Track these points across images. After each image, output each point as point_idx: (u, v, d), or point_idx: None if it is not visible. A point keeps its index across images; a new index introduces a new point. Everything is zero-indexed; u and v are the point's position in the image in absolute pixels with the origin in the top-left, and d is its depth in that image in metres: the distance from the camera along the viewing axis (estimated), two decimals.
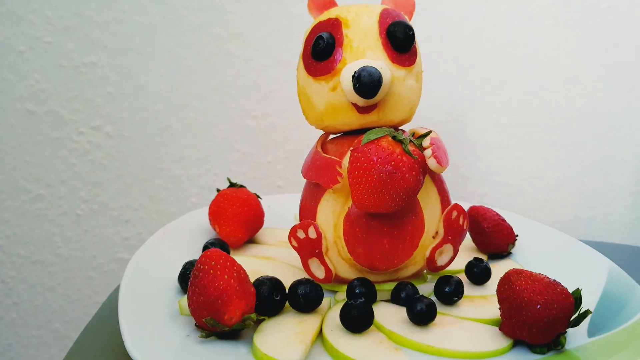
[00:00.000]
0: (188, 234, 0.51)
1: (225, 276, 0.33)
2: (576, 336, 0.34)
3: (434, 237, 0.40)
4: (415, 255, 0.39)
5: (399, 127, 0.41)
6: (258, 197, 0.52)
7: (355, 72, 0.36)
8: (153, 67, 0.68)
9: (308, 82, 0.40)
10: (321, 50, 0.38)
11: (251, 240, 0.51)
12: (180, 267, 0.41)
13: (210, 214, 0.50)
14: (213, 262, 0.33)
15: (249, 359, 0.32)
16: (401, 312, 0.37)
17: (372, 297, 0.39)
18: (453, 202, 0.40)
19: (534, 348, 0.33)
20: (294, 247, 0.40)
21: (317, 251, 0.39)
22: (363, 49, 0.38)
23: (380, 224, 0.37)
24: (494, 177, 0.70)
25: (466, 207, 0.47)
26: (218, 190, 0.51)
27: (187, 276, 0.37)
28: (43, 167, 0.69)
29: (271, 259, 0.47)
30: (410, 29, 0.38)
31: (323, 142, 0.42)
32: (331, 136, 0.43)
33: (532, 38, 0.66)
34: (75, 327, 0.75)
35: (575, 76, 0.66)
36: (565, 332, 0.33)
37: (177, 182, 0.72)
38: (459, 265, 0.43)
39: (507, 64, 0.67)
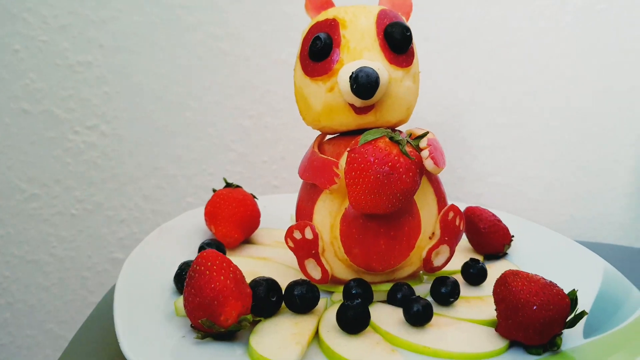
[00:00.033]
0: (184, 235, 0.50)
1: (222, 277, 0.33)
2: (572, 337, 0.34)
3: (430, 238, 0.40)
4: (412, 256, 0.39)
5: (396, 128, 0.41)
6: (254, 197, 0.51)
7: (352, 72, 0.36)
8: (149, 66, 0.68)
9: (305, 83, 0.40)
10: (318, 50, 0.38)
11: (247, 240, 0.51)
12: (176, 268, 0.41)
13: (206, 214, 0.50)
14: (209, 263, 0.33)
15: None
16: (397, 313, 0.37)
17: (368, 298, 0.39)
18: (449, 202, 0.41)
19: (530, 349, 0.33)
20: (290, 247, 0.39)
21: (313, 252, 0.39)
22: (360, 50, 0.38)
23: (377, 224, 0.37)
24: (490, 178, 0.70)
25: (462, 208, 0.47)
26: (214, 191, 0.51)
27: (183, 277, 0.37)
28: (38, 166, 0.69)
29: (267, 259, 0.47)
30: (408, 29, 0.38)
31: (320, 143, 0.42)
32: (328, 137, 0.43)
33: (529, 39, 0.66)
34: (70, 328, 0.75)
35: (571, 77, 0.66)
36: (561, 333, 0.33)
37: (172, 181, 0.71)
38: (455, 265, 0.43)
39: (503, 65, 0.67)
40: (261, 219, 0.51)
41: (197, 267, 0.33)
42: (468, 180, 0.70)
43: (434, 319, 0.36)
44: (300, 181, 0.42)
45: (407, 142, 0.36)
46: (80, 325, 0.43)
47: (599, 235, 0.70)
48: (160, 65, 0.68)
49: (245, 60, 0.68)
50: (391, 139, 0.35)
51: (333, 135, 0.42)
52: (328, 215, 0.39)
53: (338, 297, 0.40)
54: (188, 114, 0.69)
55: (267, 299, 0.36)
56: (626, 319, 0.35)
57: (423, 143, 0.37)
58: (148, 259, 0.44)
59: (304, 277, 0.39)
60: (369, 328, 0.36)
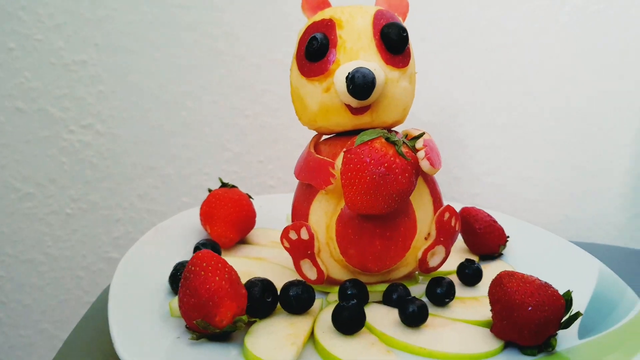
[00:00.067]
0: (179, 235, 0.50)
1: (217, 278, 0.33)
2: (567, 338, 0.34)
3: (426, 239, 0.40)
4: (407, 257, 0.39)
5: (392, 129, 0.41)
6: (250, 197, 0.51)
7: (349, 73, 0.36)
8: (144, 65, 0.67)
9: (301, 83, 0.39)
10: (315, 51, 0.38)
11: (243, 240, 0.51)
12: (171, 268, 0.40)
13: (201, 214, 0.50)
14: (204, 264, 0.33)
15: None
16: (393, 313, 0.37)
17: (364, 299, 0.39)
18: (445, 203, 0.41)
19: (524, 350, 0.33)
20: (285, 248, 0.39)
21: (309, 252, 0.39)
22: (357, 50, 0.38)
23: (373, 225, 0.37)
24: (485, 178, 0.70)
25: (458, 208, 0.47)
26: (210, 190, 0.51)
27: (178, 277, 0.37)
28: (32, 165, 0.69)
29: (263, 260, 0.46)
30: (404, 30, 0.38)
31: (316, 143, 0.42)
32: (324, 137, 0.43)
33: (525, 39, 0.66)
34: (64, 328, 0.75)
35: (566, 78, 0.66)
36: (556, 334, 0.33)
37: (168, 181, 0.71)
38: (450, 266, 0.43)
39: (499, 65, 0.67)
40: (257, 219, 0.51)
41: (192, 268, 0.33)
42: (464, 180, 0.70)
43: (430, 319, 0.36)
44: (296, 181, 0.42)
45: (403, 142, 0.36)
46: (74, 326, 0.43)
47: (594, 236, 0.70)
48: (156, 65, 0.67)
49: (241, 59, 0.68)
50: (387, 139, 0.35)
51: (329, 136, 0.42)
52: (324, 215, 0.39)
53: (333, 297, 0.40)
54: (184, 114, 0.69)
55: (262, 300, 0.36)
56: (621, 320, 0.35)
57: (419, 144, 0.37)
58: (143, 259, 0.44)
59: (299, 278, 0.39)
60: (364, 329, 0.35)
